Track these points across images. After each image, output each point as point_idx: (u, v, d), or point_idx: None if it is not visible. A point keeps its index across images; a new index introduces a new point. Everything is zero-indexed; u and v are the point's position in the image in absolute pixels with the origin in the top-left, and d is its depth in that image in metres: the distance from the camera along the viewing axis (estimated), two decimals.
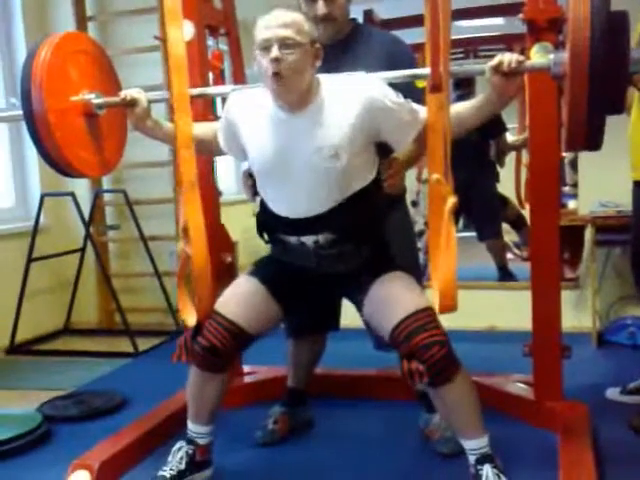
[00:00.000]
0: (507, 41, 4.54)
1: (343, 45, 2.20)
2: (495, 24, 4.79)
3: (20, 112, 2.01)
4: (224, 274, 2.63)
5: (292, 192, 1.92)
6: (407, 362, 1.82)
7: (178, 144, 1.97)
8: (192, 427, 2.10)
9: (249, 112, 1.96)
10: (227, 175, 5.10)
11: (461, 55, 4.61)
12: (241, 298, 2.04)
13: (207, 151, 2.18)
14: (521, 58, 1.76)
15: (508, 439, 2.02)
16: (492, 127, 4.48)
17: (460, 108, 1.90)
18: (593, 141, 1.72)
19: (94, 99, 2.11)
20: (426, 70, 1.86)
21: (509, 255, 4.71)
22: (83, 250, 4.11)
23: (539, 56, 2.07)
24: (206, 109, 2.59)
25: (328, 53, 1.94)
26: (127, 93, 2.04)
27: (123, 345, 3.73)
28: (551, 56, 1.76)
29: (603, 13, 1.61)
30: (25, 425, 2.51)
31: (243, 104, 1.98)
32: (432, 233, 1.91)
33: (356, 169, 1.90)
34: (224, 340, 1.97)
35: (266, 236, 2.08)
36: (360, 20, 2.45)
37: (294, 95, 1.83)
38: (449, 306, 1.72)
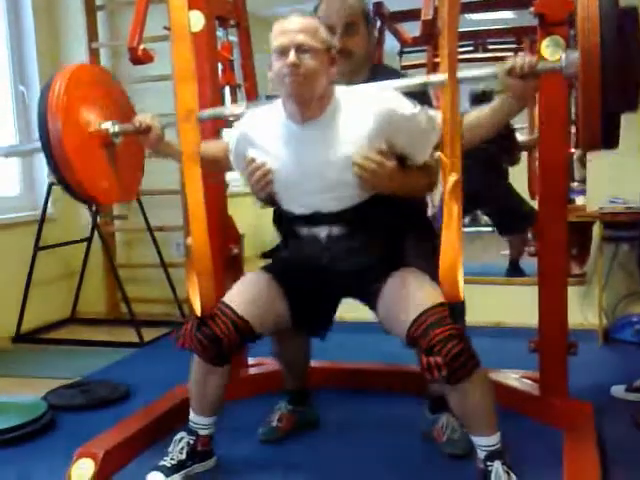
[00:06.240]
0: (517, 34, 4.51)
1: None
2: (505, 17, 4.77)
3: (38, 145, 2.03)
4: (230, 266, 2.64)
5: (306, 199, 1.92)
6: (426, 356, 1.79)
7: (179, 117, 1.98)
8: (194, 418, 2.10)
9: (260, 129, 1.96)
10: None
11: (470, 48, 4.58)
12: (251, 294, 2.03)
13: (218, 169, 2.19)
14: (533, 62, 1.74)
15: (512, 435, 2.01)
16: (507, 143, 4.48)
17: (475, 114, 1.89)
18: (610, 141, 1.70)
19: (110, 128, 2.12)
20: (439, 77, 1.82)
21: None
22: (90, 240, 4.10)
23: (550, 50, 2.06)
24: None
25: None
26: (141, 120, 2.06)
27: (129, 335, 3.73)
28: (563, 56, 1.74)
29: (613, 10, 1.60)
30: (30, 413, 2.52)
31: (254, 122, 1.99)
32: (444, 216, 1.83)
33: None
34: (229, 333, 1.96)
35: (281, 229, 2.09)
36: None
37: (308, 96, 1.81)
38: (450, 287, 1.74)
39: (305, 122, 1.86)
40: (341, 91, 1.89)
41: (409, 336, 1.84)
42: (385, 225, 1.97)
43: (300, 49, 1.78)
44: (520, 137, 4.62)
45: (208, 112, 2.10)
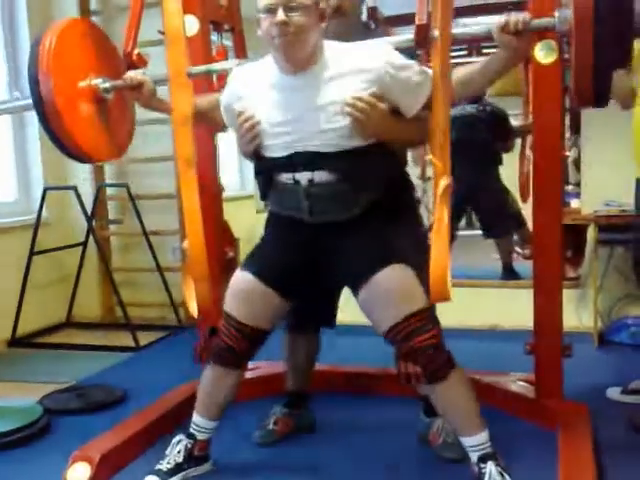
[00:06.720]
0: None
1: None
2: None
3: (29, 101, 2.01)
4: (226, 270, 2.64)
5: (295, 145, 1.86)
6: (404, 364, 1.84)
7: (175, 121, 1.98)
8: (198, 421, 2.11)
9: (251, 83, 1.93)
10: (230, 170, 5.10)
11: (464, 52, 4.59)
12: (243, 297, 2.02)
13: (212, 122, 2.17)
14: (527, 18, 1.75)
15: (508, 437, 2.02)
16: (502, 131, 4.50)
17: (467, 69, 1.89)
18: (601, 99, 1.71)
19: (101, 83, 2.12)
20: (432, 32, 1.80)
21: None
22: (85, 244, 4.11)
23: (544, 54, 2.07)
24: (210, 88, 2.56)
25: None
26: (132, 77, 2.08)
27: (124, 339, 3.72)
28: (556, 13, 1.75)
29: None
30: (26, 417, 2.51)
31: (245, 76, 1.96)
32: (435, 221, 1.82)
33: None
34: (238, 341, 2.01)
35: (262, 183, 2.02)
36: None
37: (299, 54, 1.78)
38: (440, 294, 1.73)
39: (297, 73, 1.83)
40: (332, 44, 1.85)
41: (389, 337, 1.88)
42: (372, 182, 1.90)
43: (288, 7, 1.73)
44: (514, 122, 4.64)
45: (199, 68, 2.10)
